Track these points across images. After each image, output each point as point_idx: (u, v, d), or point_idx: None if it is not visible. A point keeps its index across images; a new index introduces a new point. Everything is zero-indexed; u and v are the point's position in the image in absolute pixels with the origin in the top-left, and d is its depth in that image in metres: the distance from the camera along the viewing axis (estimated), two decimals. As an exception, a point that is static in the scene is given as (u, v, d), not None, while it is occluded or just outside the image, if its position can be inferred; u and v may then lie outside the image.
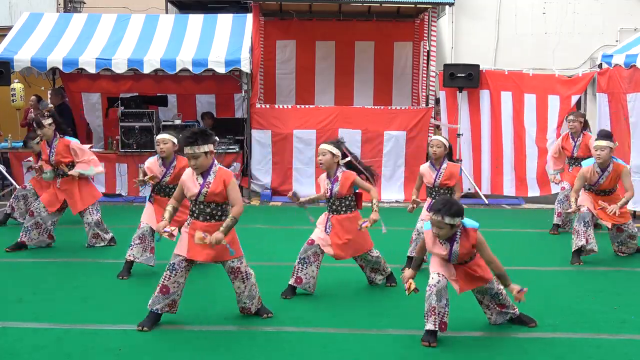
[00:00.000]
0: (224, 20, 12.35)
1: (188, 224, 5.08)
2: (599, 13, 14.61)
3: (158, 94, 12.82)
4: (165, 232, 5.05)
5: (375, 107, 12.30)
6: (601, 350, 4.65)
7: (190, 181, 5.03)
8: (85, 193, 7.67)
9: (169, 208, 5.17)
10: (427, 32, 12.35)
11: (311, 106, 12.31)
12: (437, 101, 12.29)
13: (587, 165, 7.24)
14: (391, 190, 11.60)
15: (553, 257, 7.45)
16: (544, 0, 14.74)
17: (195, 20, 12.44)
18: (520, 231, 8.87)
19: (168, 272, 5.03)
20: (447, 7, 14.31)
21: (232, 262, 5.09)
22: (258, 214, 10.03)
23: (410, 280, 4.93)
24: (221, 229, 4.89)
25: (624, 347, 4.74)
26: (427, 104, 12.03)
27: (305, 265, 5.88)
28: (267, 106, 12.00)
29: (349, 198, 5.97)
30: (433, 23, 12.26)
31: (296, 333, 4.97)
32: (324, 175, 6.07)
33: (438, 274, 4.85)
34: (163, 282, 5.02)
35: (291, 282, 5.91)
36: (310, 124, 11.59)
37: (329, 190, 5.95)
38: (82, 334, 4.88)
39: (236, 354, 4.53)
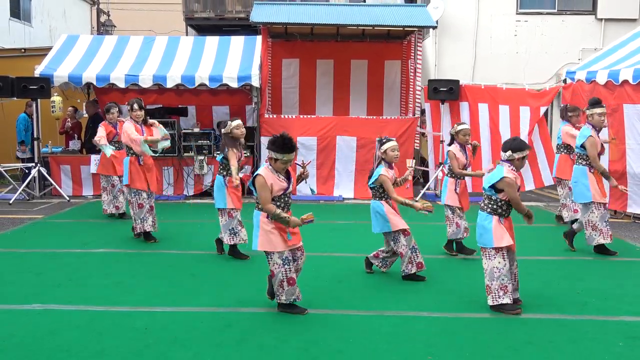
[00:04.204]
0: (237, 42, 12.36)
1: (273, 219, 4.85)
2: (564, 35, 14.64)
3: (179, 106, 12.82)
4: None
5: (369, 117, 12.29)
6: (566, 329, 4.65)
7: (274, 179, 4.84)
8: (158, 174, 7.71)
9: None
10: (413, 51, 12.35)
11: (312, 116, 12.31)
12: (423, 112, 12.28)
13: (589, 134, 6.98)
14: (382, 189, 11.57)
15: (524, 248, 7.40)
16: (515, 24, 14.76)
17: (212, 41, 12.44)
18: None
19: (287, 266, 4.87)
20: (431, 30, 14.33)
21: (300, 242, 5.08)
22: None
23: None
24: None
25: (586, 326, 4.73)
26: (413, 114, 12.02)
27: (415, 251, 5.91)
28: (274, 116, 12.00)
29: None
30: (419, 44, 12.26)
31: (299, 314, 4.96)
32: (386, 168, 5.93)
33: (503, 256, 5.02)
34: (288, 275, 4.87)
35: (414, 271, 5.91)
36: (311, 132, 11.59)
37: (394, 177, 5.98)
38: (113, 315, 4.87)
39: (248, 332, 4.52)
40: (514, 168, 5.03)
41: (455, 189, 6.88)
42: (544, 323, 4.79)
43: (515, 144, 5.05)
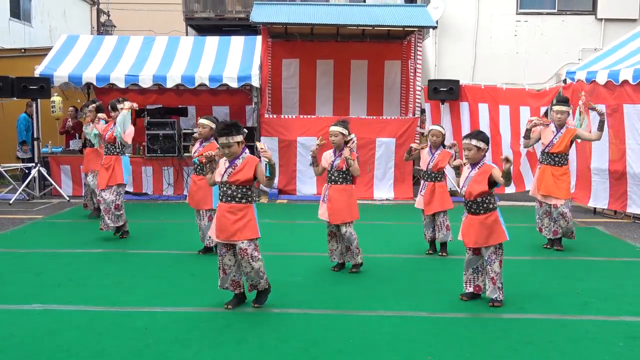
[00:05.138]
0: (237, 42, 12.37)
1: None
2: (564, 35, 14.63)
3: (179, 106, 12.83)
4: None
5: (369, 117, 12.29)
6: (566, 329, 4.64)
7: (221, 167, 5.00)
8: (118, 172, 7.60)
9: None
10: (413, 51, 12.35)
11: (312, 116, 12.31)
12: (423, 112, 12.28)
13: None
14: (382, 189, 11.59)
15: (522, 249, 7.41)
16: (515, 24, 14.76)
17: (212, 41, 12.45)
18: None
19: (218, 257, 5.05)
20: (431, 30, 14.33)
21: (242, 243, 4.81)
22: (266, 211, 9.99)
23: None
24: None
25: (587, 326, 4.73)
26: (413, 115, 12.02)
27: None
28: (274, 116, 12.00)
29: (346, 172, 6.06)
30: (419, 44, 12.26)
31: (299, 314, 4.96)
32: (330, 151, 6.15)
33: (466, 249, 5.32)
34: (219, 264, 5.04)
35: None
36: (311, 132, 11.57)
37: (331, 163, 6.06)
38: (113, 315, 4.87)
39: (248, 332, 4.52)
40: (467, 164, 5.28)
41: (420, 191, 6.97)
42: (544, 323, 4.78)
43: None
